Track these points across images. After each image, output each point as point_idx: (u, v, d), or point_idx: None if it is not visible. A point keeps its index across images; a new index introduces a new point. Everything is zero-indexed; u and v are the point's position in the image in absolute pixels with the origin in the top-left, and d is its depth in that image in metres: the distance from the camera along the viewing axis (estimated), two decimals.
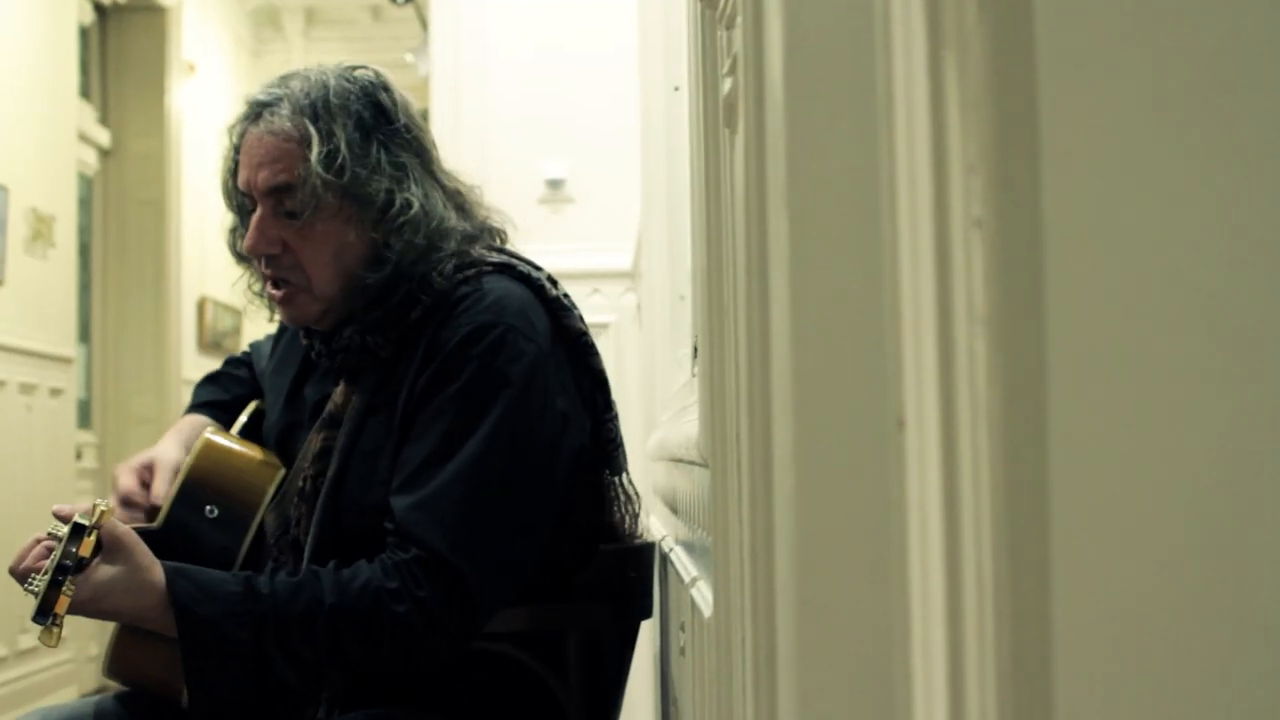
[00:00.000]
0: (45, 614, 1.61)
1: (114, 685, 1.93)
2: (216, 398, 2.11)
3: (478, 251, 1.86)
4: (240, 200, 1.90)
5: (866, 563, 0.64)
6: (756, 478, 0.73)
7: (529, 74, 4.19)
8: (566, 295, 1.90)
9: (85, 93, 6.84)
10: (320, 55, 9.20)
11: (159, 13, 7.30)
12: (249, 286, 1.99)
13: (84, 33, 6.74)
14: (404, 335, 1.83)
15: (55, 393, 5.77)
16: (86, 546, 1.63)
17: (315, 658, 1.67)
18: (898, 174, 0.62)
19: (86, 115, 6.81)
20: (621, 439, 1.94)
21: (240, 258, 1.97)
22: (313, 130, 1.81)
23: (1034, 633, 0.56)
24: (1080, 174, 0.57)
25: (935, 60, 0.60)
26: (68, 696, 5.63)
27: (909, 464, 0.60)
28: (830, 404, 0.65)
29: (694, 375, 1.99)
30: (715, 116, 0.99)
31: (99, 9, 7.10)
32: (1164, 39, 0.57)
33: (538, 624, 1.84)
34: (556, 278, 1.93)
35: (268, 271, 1.87)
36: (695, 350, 2.05)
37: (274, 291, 1.88)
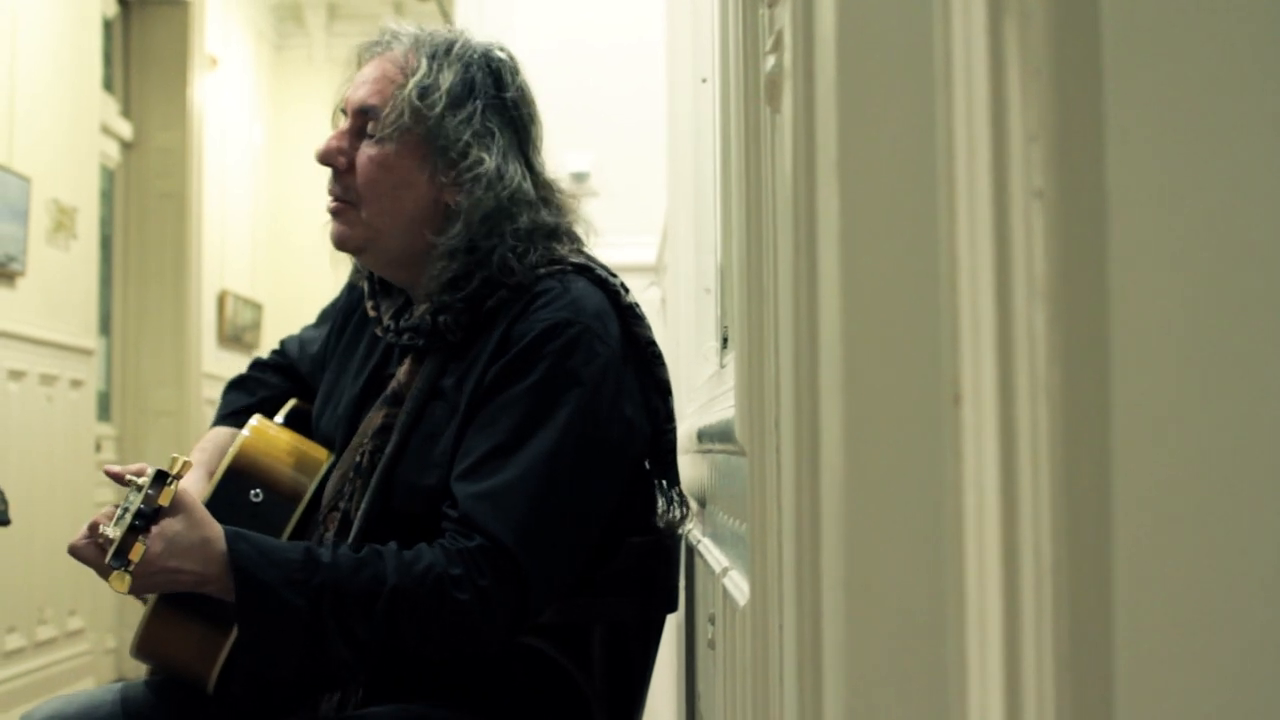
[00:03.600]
0: (121, 557, 1.60)
1: (132, 675, 1.91)
2: (242, 403, 2.09)
3: (559, 250, 1.85)
4: (340, 118, 1.92)
5: (920, 545, 0.62)
6: (802, 460, 0.71)
7: (553, 67, 4.17)
8: (637, 304, 1.90)
9: (108, 85, 6.85)
10: (343, 50, 9.22)
11: (182, 6, 7.30)
12: None
13: (107, 25, 6.75)
14: (476, 322, 1.82)
15: (75, 384, 5.78)
16: (167, 495, 1.62)
17: (371, 636, 1.66)
18: (956, 144, 0.60)
19: (109, 108, 6.81)
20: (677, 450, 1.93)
21: None
22: (423, 63, 1.84)
23: (1094, 618, 0.54)
24: (1146, 144, 0.55)
25: (995, 25, 0.59)
26: (85, 688, 5.63)
27: (965, 441, 0.59)
28: (883, 380, 0.63)
29: (722, 367, 1.98)
30: (756, 96, 0.98)
31: (122, 2, 7.11)
32: (1234, 2, 0.55)
33: (563, 617, 1.83)
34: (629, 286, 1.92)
35: (332, 187, 1.88)
36: (725, 341, 2.04)
37: (330, 204, 1.88)
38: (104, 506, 1.80)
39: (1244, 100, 0.55)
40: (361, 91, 1.86)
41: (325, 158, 1.87)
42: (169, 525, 1.64)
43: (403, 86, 1.82)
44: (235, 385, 2.13)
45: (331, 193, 1.88)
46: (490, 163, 1.82)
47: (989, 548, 0.58)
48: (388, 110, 1.82)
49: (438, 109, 1.81)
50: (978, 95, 0.59)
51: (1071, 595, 0.55)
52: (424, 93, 1.81)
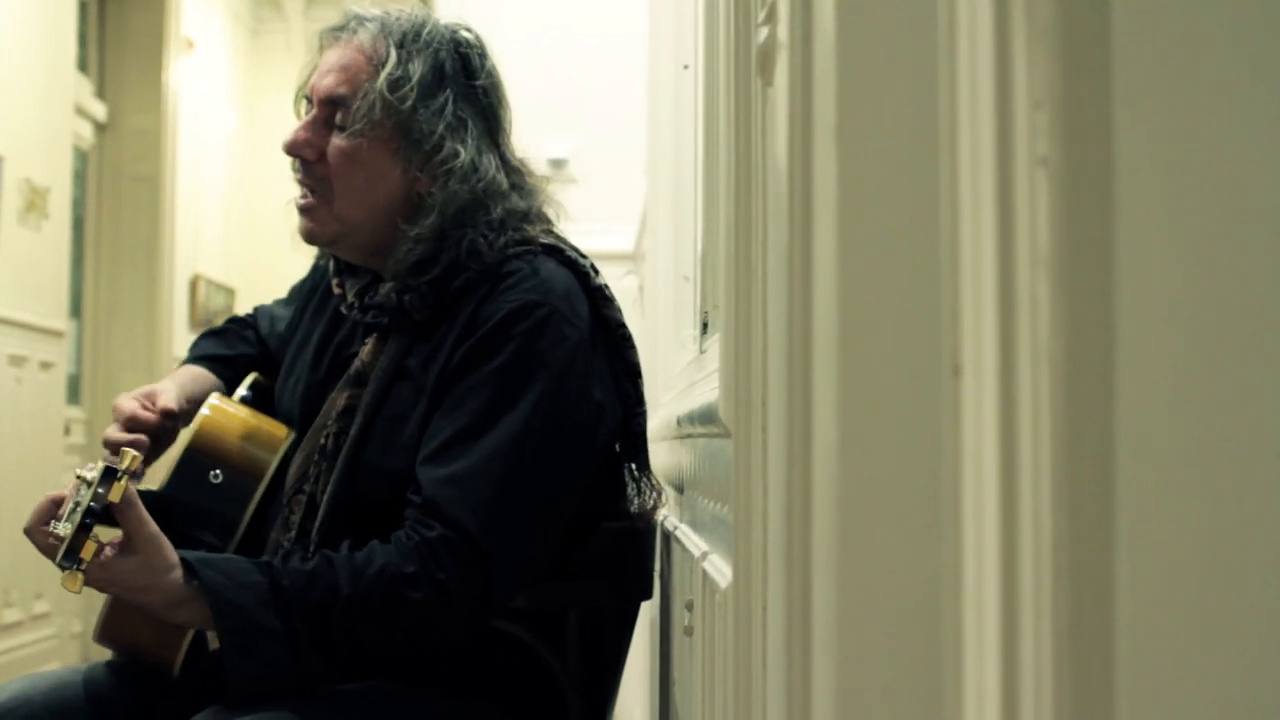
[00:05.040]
0: (72, 557, 1.55)
1: (98, 659, 1.89)
2: (219, 352, 2.06)
3: (529, 231, 1.83)
4: (304, 107, 1.88)
5: (916, 523, 0.61)
6: (794, 436, 0.69)
7: (534, 54, 4.16)
8: (607, 286, 1.88)
9: (83, 66, 6.79)
10: None
11: None
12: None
13: (83, 6, 6.69)
14: (442, 301, 1.80)
15: (45, 366, 5.73)
16: (116, 491, 1.57)
17: (334, 647, 1.64)
18: (959, 108, 0.58)
19: (84, 88, 6.76)
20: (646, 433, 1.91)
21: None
22: (392, 52, 1.80)
23: (1096, 598, 0.53)
24: (1155, 110, 0.54)
25: None
26: None
27: (964, 414, 0.57)
28: (879, 351, 0.61)
29: (701, 352, 1.96)
30: (747, 70, 0.96)
31: None
32: None
33: (537, 602, 1.81)
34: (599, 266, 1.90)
35: (299, 176, 1.85)
36: (704, 327, 2.02)
37: (298, 200, 1.85)
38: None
39: (1255, 66, 0.54)
40: (328, 80, 1.82)
41: (293, 149, 1.83)
42: (120, 565, 1.60)
43: (373, 77, 1.79)
44: (212, 334, 2.11)
45: (302, 184, 1.84)
46: (465, 155, 1.80)
47: (988, 525, 0.57)
48: (358, 102, 1.79)
49: (409, 101, 1.78)
50: (982, 59, 0.58)
51: (1072, 574, 0.54)
52: (395, 85, 1.78)
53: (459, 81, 1.83)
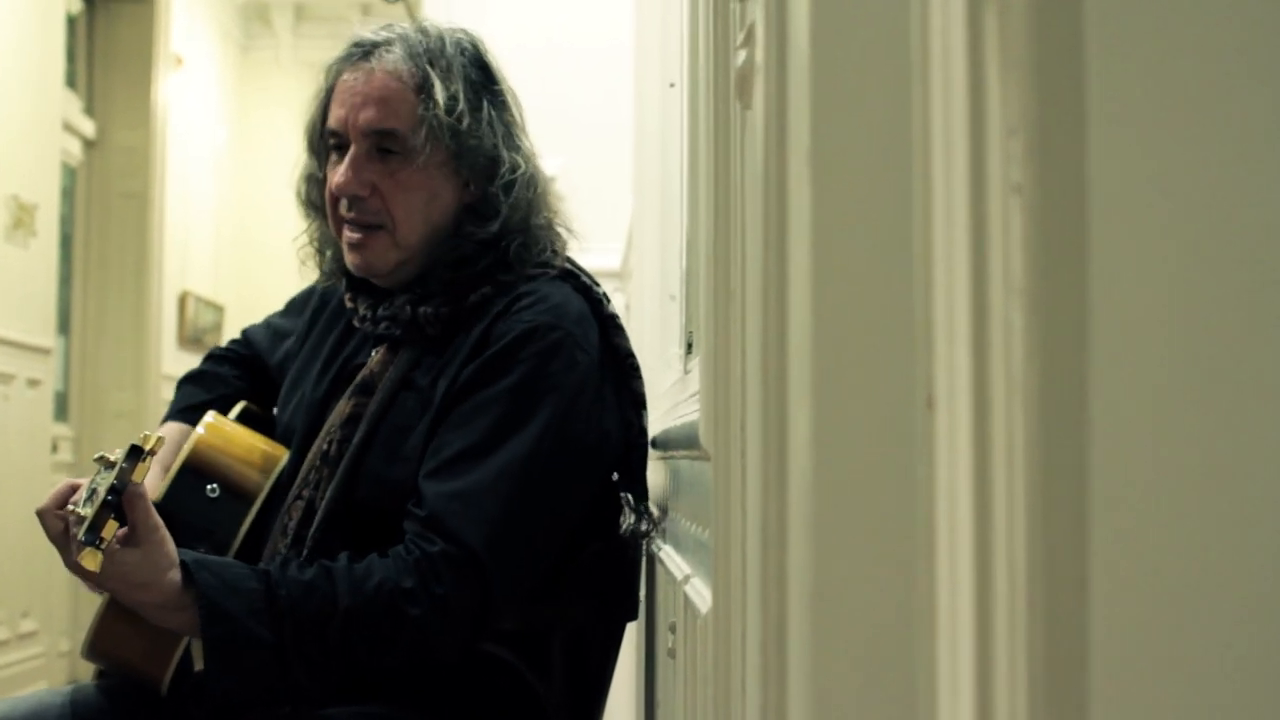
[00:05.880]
0: (94, 533, 1.55)
1: (85, 679, 1.88)
2: (198, 400, 2.04)
3: (548, 251, 1.84)
4: (326, 143, 1.84)
5: (890, 552, 0.60)
6: (769, 463, 0.69)
7: (521, 71, 4.13)
8: (618, 315, 1.89)
9: (71, 82, 6.78)
10: (309, 52, 9.19)
11: (147, 4, 7.24)
12: (309, 241, 1.94)
13: (71, 22, 6.69)
14: (456, 316, 1.79)
15: (33, 384, 5.71)
16: (141, 472, 1.57)
17: (327, 660, 1.63)
18: (932, 137, 0.58)
19: (72, 105, 6.75)
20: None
21: (311, 206, 1.91)
22: (433, 75, 1.78)
23: (1069, 630, 0.53)
24: (1128, 138, 0.53)
25: (975, 15, 0.57)
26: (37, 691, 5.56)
27: (938, 445, 0.57)
28: (853, 382, 0.61)
29: (686, 373, 1.96)
30: (726, 92, 0.96)
31: None
32: None
33: (523, 623, 1.80)
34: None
35: (349, 215, 1.81)
36: (689, 347, 2.02)
37: (352, 235, 1.81)
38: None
39: (1228, 94, 0.53)
40: (369, 114, 1.78)
41: (347, 190, 1.79)
42: (124, 556, 1.60)
43: (422, 104, 1.77)
44: (191, 379, 2.08)
45: (353, 222, 1.80)
46: (524, 165, 1.81)
47: (961, 556, 0.56)
48: (414, 132, 1.77)
49: (465, 121, 1.78)
50: (955, 86, 0.57)
51: (1046, 605, 0.54)
52: (450, 108, 1.78)
53: (489, 89, 1.84)
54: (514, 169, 1.80)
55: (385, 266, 1.82)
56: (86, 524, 1.56)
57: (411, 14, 6.70)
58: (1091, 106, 0.53)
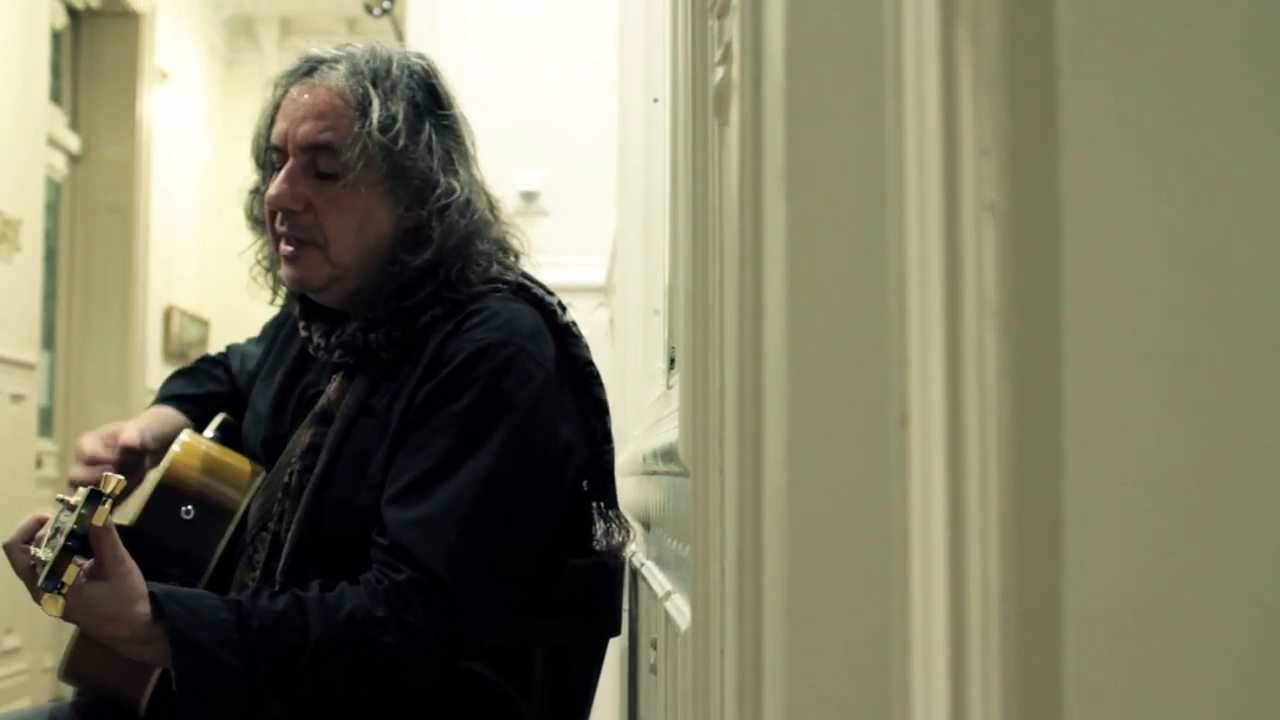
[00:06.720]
0: (54, 579, 1.54)
1: (69, 693, 1.87)
2: (187, 391, 2.05)
3: (496, 268, 1.83)
4: (269, 156, 1.84)
5: (864, 570, 0.60)
6: (745, 480, 0.69)
7: (504, 87, 4.15)
8: (574, 323, 1.87)
9: (56, 97, 6.77)
10: None
11: (133, 18, 7.24)
12: (256, 260, 1.93)
13: (56, 36, 6.68)
14: (408, 339, 1.79)
15: (16, 399, 5.70)
16: (100, 515, 1.56)
17: (300, 691, 1.62)
18: (906, 155, 0.58)
19: (56, 119, 6.74)
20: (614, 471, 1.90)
21: (255, 222, 1.91)
22: (372, 93, 1.78)
23: (1043, 647, 0.53)
24: (1101, 156, 0.53)
25: (947, 34, 0.57)
26: (20, 708, 5.54)
27: (912, 464, 0.57)
28: (827, 399, 0.61)
29: (669, 388, 1.96)
30: (704, 109, 0.96)
31: (72, 13, 7.04)
32: (1192, 11, 0.53)
33: (504, 640, 1.80)
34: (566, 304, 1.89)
35: (283, 229, 1.80)
36: (671, 363, 2.02)
37: (286, 249, 1.81)
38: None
39: (1201, 112, 0.54)
40: (306, 128, 1.78)
41: (279, 202, 1.79)
42: (92, 590, 1.58)
43: (358, 121, 1.77)
44: (182, 374, 2.10)
45: (287, 235, 1.80)
46: (460, 190, 1.79)
47: (935, 574, 0.56)
48: (348, 148, 1.76)
49: (401, 141, 1.77)
50: (929, 105, 0.57)
51: (1019, 622, 0.54)
52: (385, 127, 1.77)
53: (434, 113, 1.83)
54: (448, 193, 1.78)
55: (318, 282, 1.81)
56: (47, 569, 1.54)
57: (397, 29, 6.71)
58: (1064, 125, 0.53)
